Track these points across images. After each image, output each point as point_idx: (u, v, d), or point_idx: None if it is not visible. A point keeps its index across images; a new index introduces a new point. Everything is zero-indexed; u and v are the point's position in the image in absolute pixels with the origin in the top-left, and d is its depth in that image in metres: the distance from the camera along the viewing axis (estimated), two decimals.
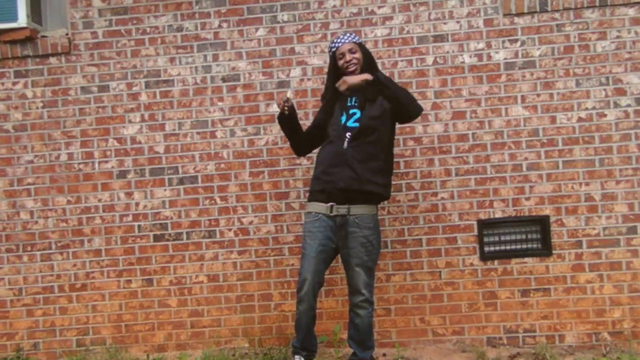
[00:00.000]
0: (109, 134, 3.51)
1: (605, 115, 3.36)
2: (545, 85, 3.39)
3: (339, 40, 2.86)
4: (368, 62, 2.88)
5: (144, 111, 3.51)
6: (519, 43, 3.40)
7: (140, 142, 3.51)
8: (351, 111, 2.83)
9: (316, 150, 3.00)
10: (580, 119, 3.37)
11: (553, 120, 3.39)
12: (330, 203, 2.75)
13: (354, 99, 2.85)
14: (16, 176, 3.51)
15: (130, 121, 3.51)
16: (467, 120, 3.42)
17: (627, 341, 3.28)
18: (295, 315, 2.84)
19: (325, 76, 3.05)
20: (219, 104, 3.50)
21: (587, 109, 3.37)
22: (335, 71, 2.89)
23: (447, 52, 3.43)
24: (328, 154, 2.81)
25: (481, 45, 3.42)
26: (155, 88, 3.50)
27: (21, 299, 3.50)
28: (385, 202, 3.40)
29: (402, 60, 3.45)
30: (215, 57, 3.49)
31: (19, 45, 3.47)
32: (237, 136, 3.49)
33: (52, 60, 3.51)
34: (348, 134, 2.76)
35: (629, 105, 3.34)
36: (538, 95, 3.39)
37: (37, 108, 3.52)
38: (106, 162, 3.51)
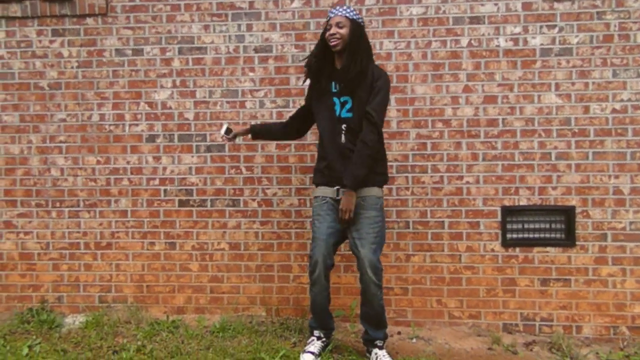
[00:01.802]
0: (140, 98, 3.55)
1: None
2: (581, 73, 3.34)
3: (333, 11, 2.74)
4: (353, 45, 2.69)
5: (175, 77, 3.54)
6: (556, 29, 3.34)
7: (170, 108, 3.55)
8: (342, 98, 2.77)
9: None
10: (614, 110, 3.32)
11: (586, 110, 3.34)
12: (336, 187, 2.78)
13: (334, 84, 2.77)
14: (49, 133, 3.59)
15: (162, 86, 3.55)
16: (498, 105, 3.39)
17: None
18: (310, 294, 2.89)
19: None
20: (250, 74, 3.51)
21: (622, 100, 3.31)
22: (324, 41, 2.76)
23: (483, 34, 3.38)
24: (327, 147, 2.79)
25: (518, 29, 3.37)
26: (188, 55, 3.53)
27: (48, 253, 3.59)
28: (410, 183, 3.41)
29: (436, 41, 3.41)
30: (249, 27, 3.50)
31: (58, 3, 3.52)
32: (266, 107, 3.50)
33: (89, 20, 3.56)
34: (344, 126, 2.76)
35: None
36: (573, 83, 3.34)
37: (72, 67, 3.57)
38: (136, 125, 3.56)
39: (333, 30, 2.69)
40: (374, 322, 2.84)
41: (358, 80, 2.71)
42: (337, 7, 2.74)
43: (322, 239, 2.76)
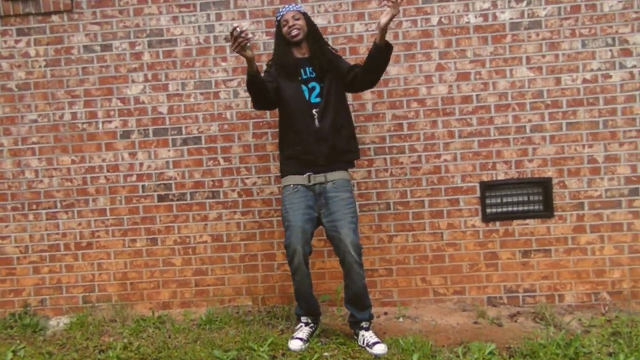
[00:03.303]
0: (112, 94, 3.50)
1: (610, 77, 3.34)
2: (551, 46, 3.37)
3: (283, 9, 2.90)
4: (313, 33, 2.90)
5: (147, 71, 3.49)
6: (525, 2, 3.36)
7: (143, 102, 3.50)
8: (310, 84, 2.85)
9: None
10: (585, 80, 3.36)
11: (558, 81, 3.37)
12: (307, 173, 2.82)
13: (308, 70, 2.86)
14: (20, 135, 3.52)
15: (133, 81, 3.50)
16: (472, 81, 3.41)
17: (626, 301, 3.32)
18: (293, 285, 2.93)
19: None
20: (223, 64, 3.48)
21: (592, 70, 3.35)
22: (282, 40, 2.90)
23: (452, 11, 3.39)
24: (301, 132, 2.82)
25: (487, 4, 3.38)
26: (158, 47, 3.48)
27: (27, 257, 3.54)
28: (389, 164, 3.42)
29: (406, 20, 3.41)
30: (218, 17, 3.47)
31: (21, 2, 3.43)
32: (240, 97, 3.48)
33: (55, 18, 3.48)
34: (314, 111, 2.81)
35: (634, 67, 3.32)
36: (543, 56, 3.37)
37: (40, 67, 3.51)
38: (110, 122, 3.51)
39: (292, 22, 2.86)
40: (359, 303, 2.87)
41: (328, 66, 2.86)
42: (285, 6, 2.92)
43: (299, 226, 2.78)
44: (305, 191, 2.83)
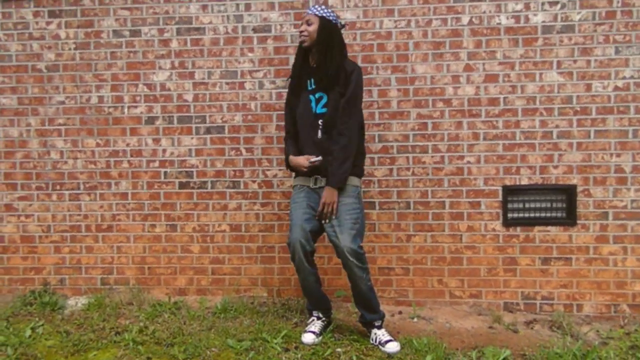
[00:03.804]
0: (139, 79, 3.53)
1: None
2: (583, 51, 3.30)
3: (307, 10, 2.84)
4: (321, 42, 2.74)
5: (174, 58, 3.51)
6: (559, 6, 3.30)
7: (169, 89, 3.52)
8: (317, 94, 2.80)
9: None
10: (616, 88, 3.29)
11: (588, 88, 3.31)
12: (314, 176, 2.80)
13: (312, 81, 2.81)
14: (47, 116, 3.57)
15: (160, 67, 3.52)
16: (500, 83, 3.36)
17: None
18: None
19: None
20: (249, 54, 3.48)
21: (624, 78, 3.28)
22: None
23: (484, 12, 3.34)
24: (305, 143, 2.82)
25: (519, 6, 3.32)
26: (186, 35, 3.50)
27: (49, 236, 3.60)
28: (411, 163, 3.40)
29: (436, 19, 3.37)
30: (248, 7, 3.46)
31: None
32: (265, 88, 3.48)
33: (86, 1, 3.52)
34: (320, 122, 2.77)
35: None
36: (575, 61, 3.31)
37: (70, 49, 3.55)
38: (135, 107, 3.54)
39: (302, 27, 2.78)
40: (366, 304, 2.85)
41: (334, 78, 2.74)
42: (310, 7, 2.84)
43: (298, 225, 2.76)
44: (309, 192, 2.83)
